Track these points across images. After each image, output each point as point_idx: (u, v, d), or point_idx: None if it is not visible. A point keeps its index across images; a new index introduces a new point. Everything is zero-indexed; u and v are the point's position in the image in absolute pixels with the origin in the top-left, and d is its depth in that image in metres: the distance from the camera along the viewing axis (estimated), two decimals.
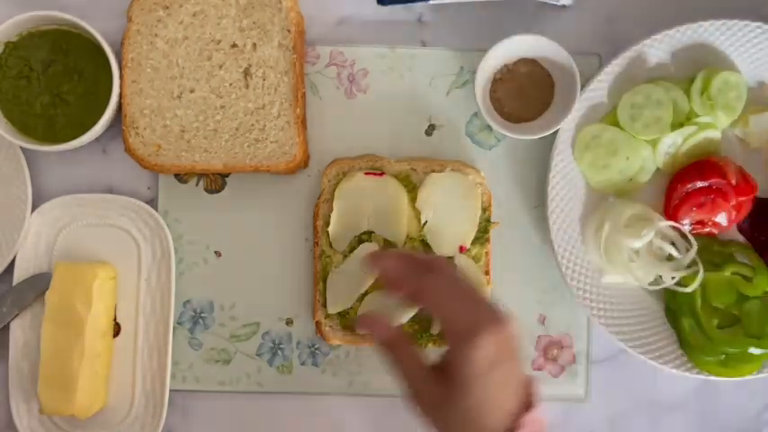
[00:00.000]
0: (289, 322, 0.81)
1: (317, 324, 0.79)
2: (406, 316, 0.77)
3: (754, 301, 0.79)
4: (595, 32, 0.81)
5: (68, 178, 0.81)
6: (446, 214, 0.78)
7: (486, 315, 0.59)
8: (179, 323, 0.81)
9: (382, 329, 0.62)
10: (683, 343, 0.78)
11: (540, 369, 0.81)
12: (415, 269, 0.63)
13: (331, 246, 0.79)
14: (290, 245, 0.81)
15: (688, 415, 0.82)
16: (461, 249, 0.78)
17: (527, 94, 0.79)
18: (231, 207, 0.81)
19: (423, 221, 0.78)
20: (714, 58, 0.78)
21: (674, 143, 0.78)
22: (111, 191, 0.81)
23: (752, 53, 0.78)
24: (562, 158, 0.78)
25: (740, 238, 0.80)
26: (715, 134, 0.78)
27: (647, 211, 0.78)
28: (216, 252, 0.81)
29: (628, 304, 0.79)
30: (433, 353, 0.63)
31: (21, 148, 0.78)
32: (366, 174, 0.78)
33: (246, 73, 0.77)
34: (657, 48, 0.78)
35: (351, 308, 0.78)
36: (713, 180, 0.76)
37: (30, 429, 0.78)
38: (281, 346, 0.81)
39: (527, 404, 0.59)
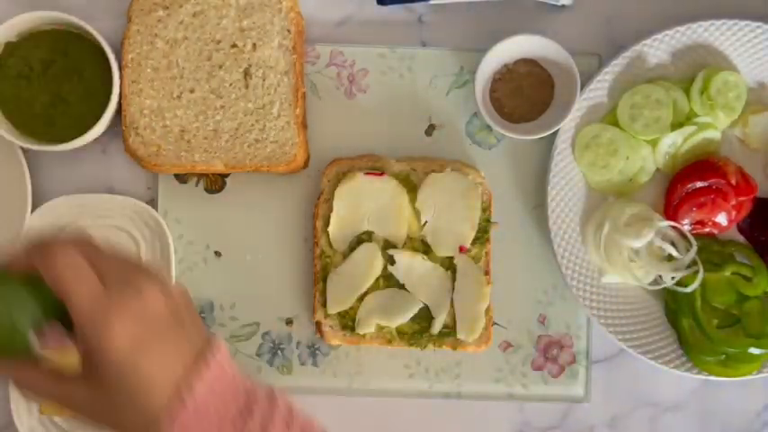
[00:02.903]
0: (289, 322, 0.81)
1: (317, 324, 0.79)
2: (406, 316, 0.77)
3: (754, 301, 0.79)
4: (595, 32, 0.81)
5: (68, 178, 0.81)
6: (446, 214, 0.78)
7: (123, 285, 0.50)
8: None
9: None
10: (683, 343, 0.78)
11: (540, 369, 0.81)
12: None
13: (331, 246, 0.79)
14: (290, 245, 0.81)
15: (688, 415, 0.82)
16: (461, 249, 0.78)
17: (527, 94, 0.79)
18: (231, 207, 0.81)
19: (423, 221, 0.78)
20: (714, 58, 0.78)
21: (673, 143, 0.78)
22: (111, 191, 0.81)
23: (752, 53, 0.78)
24: (562, 158, 0.78)
25: (740, 238, 0.80)
26: (715, 134, 0.78)
27: (647, 211, 0.78)
28: (216, 252, 0.81)
29: (628, 304, 0.79)
30: None
31: (21, 148, 0.78)
32: (366, 174, 0.78)
33: (246, 73, 0.77)
34: (657, 48, 0.78)
35: (351, 308, 0.78)
36: (713, 180, 0.76)
37: (30, 429, 0.78)
38: (281, 346, 0.81)
39: (198, 367, 0.50)
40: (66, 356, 0.51)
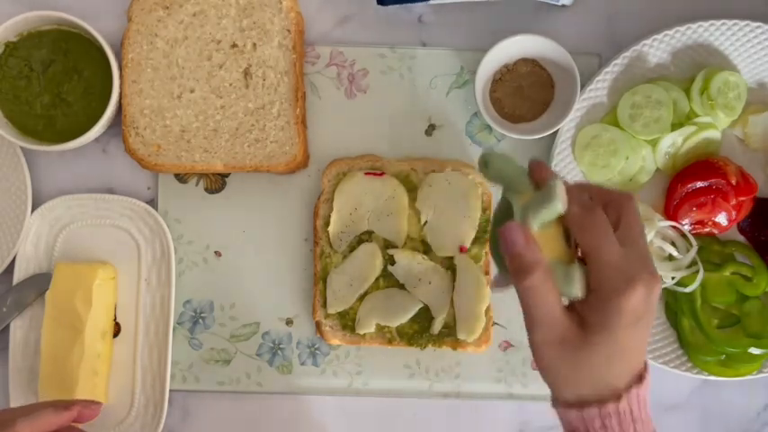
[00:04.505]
0: (289, 322, 0.81)
1: (317, 324, 0.79)
2: (406, 316, 0.77)
3: (754, 301, 0.79)
4: (595, 32, 0.81)
5: (68, 178, 0.81)
6: (446, 214, 0.78)
7: (643, 266, 0.56)
8: (179, 323, 0.81)
9: (529, 249, 0.54)
10: (683, 343, 0.78)
11: None
12: (589, 201, 0.58)
13: (331, 246, 0.79)
14: (290, 245, 0.81)
15: (688, 415, 0.82)
16: (461, 249, 0.78)
17: (527, 94, 0.79)
18: (231, 207, 0.81)
19: (423, 221, 0.78)
20: (714, 58, 0.78)
21: (673, 143, 0.78)
22: (111, 191, 0.81)
23: (752, 53, 0.78)
24: (562, 158, 0.78)
25: (740, 238, 0.80)
26: (715, 134, 0.78)
27: (647, 211, 0.78)
28: (216, 252, 0.81)
29: None
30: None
31: (21, 148, 0.78)
32: (366, 174, 0.78)
33: (246, 73, 0.77)
34: (657, 48, 0.78)
35: (351, 308, 0.78)
36: (713, 180, 0.76)
37: None
38: (281, 346, 0.81)
39: (639, 374, 0.57)
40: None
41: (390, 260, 0.78)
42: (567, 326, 0.55)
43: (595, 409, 0.55)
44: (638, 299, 0.54)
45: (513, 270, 0.55)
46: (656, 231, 0.77)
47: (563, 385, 0.56)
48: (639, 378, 0.56)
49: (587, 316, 0.55)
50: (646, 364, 0.57)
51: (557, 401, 0.57)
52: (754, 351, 0.77)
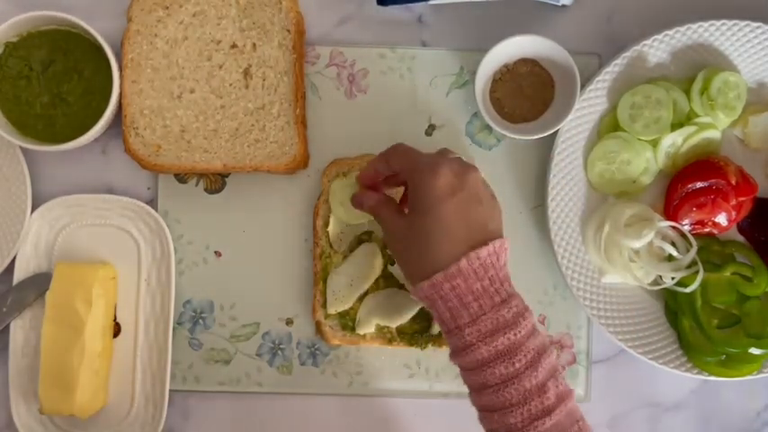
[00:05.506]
0: (289, 322, 0.81)
1: (317, 324, 0.79)
2: (406, 316, 0.77)
3: (754, 301, 0.79)
4: (595, 32, 0.81)
5: (68, 178, 0.81)
6: None
7: (443, 156, 0.66)
8: (179, 323, 0.81)
9: (370, 198, 0.70)
10: (683, 343, 0.78)
11: None
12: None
13: (331, 246, 0.79)
14: (290, 245, 0.81)
15: (688, 415, 0.82)
16: None
17: (527, 94, 0.79)
18: (231, 207, 0.81)
19: None
20: (714, 58, 0.78)
21: (673, 143, 0.78)
22: (111, 191, 0.81)
23: (752, 53, 0.78)
24: (562, 158, 0.78)
25: (740, 238, 0.80)
26: (715, 134, 0.78)
27: (647, 211, 0.78)
28: (216, 252, 0.81)
29: (628, 304, 0.80)
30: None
31: (21, 148, 0.78)
32: None
33: (246, 73, 0.77)
34: (657, 48, 0.78)
35: (351, 308, 0.78)
36: (713, 180, 0.76)
37: (30, 429, 0.78)
38: (281, 346, 0.81)
39: (480, 243, 0.63)
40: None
41: (390, 260, 0.78)
42: (402, 224, 0.66)
43: (441, 274, 0.61)
44: (446, 178, 0.63)
45: (363, 202, 0.71)
46: (656, 231, 0.77)
47: (414, 271, 0.64)
48: (482, 244, 0.62)
49: (412, 210, 0.65)
50: (479, 243, 0.62)
51: (414, 290, 0.64)
52: (755, 351, 0.77)
